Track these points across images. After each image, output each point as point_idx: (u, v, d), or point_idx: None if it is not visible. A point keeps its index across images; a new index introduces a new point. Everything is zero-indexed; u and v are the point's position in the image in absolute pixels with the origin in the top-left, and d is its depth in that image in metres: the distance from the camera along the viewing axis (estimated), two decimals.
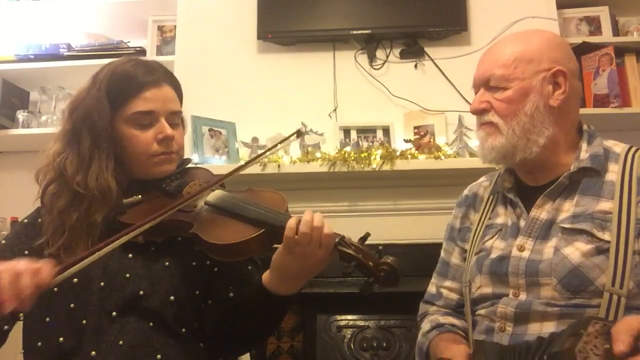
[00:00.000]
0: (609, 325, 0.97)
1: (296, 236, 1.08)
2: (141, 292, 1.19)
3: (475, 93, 1.35)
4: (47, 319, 1.19)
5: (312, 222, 1.09)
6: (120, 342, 1.15)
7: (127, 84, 1.27)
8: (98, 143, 1.25)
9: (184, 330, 1.22)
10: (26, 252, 1.26)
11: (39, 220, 1.30)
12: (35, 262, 0.98)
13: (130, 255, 1.23)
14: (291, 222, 1.10)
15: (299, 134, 1.40)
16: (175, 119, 1.33)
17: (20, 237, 1.29)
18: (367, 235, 1.12)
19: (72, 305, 1.19)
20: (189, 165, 1.42)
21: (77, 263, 1.02)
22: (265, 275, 1.17)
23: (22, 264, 0.97)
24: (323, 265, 1.13)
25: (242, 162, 2.49)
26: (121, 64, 1.32)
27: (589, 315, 1.08)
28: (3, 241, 1.30)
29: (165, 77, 1.33)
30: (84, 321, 1.17)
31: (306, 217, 1.10)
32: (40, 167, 1.30)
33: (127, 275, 1.20)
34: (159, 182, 1.31)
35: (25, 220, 1.33)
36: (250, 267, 1.31)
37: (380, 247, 1.11)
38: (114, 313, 1.17)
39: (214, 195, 1.25)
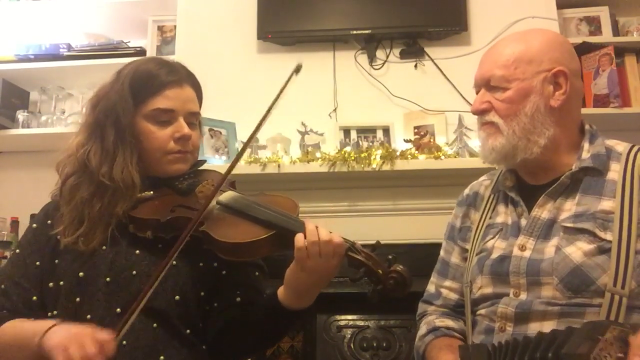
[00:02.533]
0: (626, 332, 0.96)
1: (306, 249, 1.09)
2: None
3: (477, 93, 1.35)
4: (55, 312, 1.21)
5: (317, 232, 1.10)
6: (124, 342, 1.15)
7: (150, 81, 1.30)
8: (122, 137, 1.27)
9: (188, 331, 1.22)
10: (37, 262, 1.27)
11: (49, 222, 1.30)
12: (96, 334, 1.03)
13: (137, 251, 1.24)
14: (299, 237, 1.10)
15: (298, 69, 1.35)
16: (194, 119, 1.35)
17: (31, 245, 1.30)
18: (378, 244, 1.13)
19: (77, 299, 1.20)
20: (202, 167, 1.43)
21: (128, 319, 1.07)
22: (280, 291, 1.18)
23: (89, 342, 1.01)
24: (335, 273, 1.14)
25: (242, 163, 2.50)
26: (145, 62, 1.35)
27: (608, 320, 1.08)
28: (17, 250, 1.31)
29: (188, 78, 1.35)
30: (89, 316, 1.18)
31: (309, 227, 1.11)
32: (60, 158, 1.32)
33: (134, 272, 1.21)
34: (171, 180, 1.32)
35: (34, 225, 1.34)
36: (257, 274, 1.31)
37: (390, 257, 1.11)
38: (119, 309, 1.18)
39: (226, 195, 1.26)
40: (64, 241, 1.24)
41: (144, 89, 1.29)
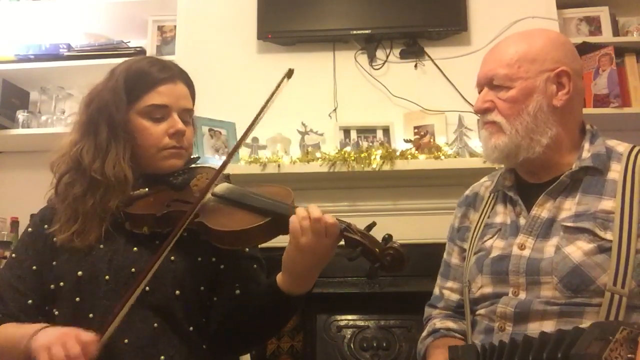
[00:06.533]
0: (636, 333, 0.95)
1: (300, 227, 1.10)
2: (146, 287, 1.19)
3: (479, 92, 1.35)
4: (56, 312, 1.22)
5: (308, 212, 1.11)
6: (125, 340, 1.16)
7: (143, 78, 1.31)
8: (115, 133, 1.28)
9: (191, 328, 1.23)
10: (34, 267, 1.28)
11: (45, 225, 1.31)
12: (80, 335, 1.05)
13: (135, 249, 1.24)
14: (294, 218, 1.12)
15: (290, 74, 1.36)
16: (187, 116, 1.36)
17: (27, 249, 1.31)
18: (373, 224, 1.14)
19: (77, 299, 1.21)
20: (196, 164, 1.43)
21: (112, 323, 1.08)
22: (279, 277, 1.19)
23: (72, 342, 1.03)
24: (331, 255, 1.14)
25: (242, 163, 2.50)
26: (138, 61, 1.36)
27: (618, 321, 1.08)
28: (13, 255, 1.32)
29: (180, 75, 1.37)
30: (91, 315, 1.19)
31: (300, 208, 1.13)
32: (54, 158, 1.33)
33: (132, 269, 1.22)
34: (166, 177, 1.33)
35: (30, 229, 1.35)
36: (255, 267, 1.32)
37: (387, 235, 1.12)
38: None
39: (221, 187, 1.27)
40: (59, 238, 1.25)
41: (138, 86, 1.30)
